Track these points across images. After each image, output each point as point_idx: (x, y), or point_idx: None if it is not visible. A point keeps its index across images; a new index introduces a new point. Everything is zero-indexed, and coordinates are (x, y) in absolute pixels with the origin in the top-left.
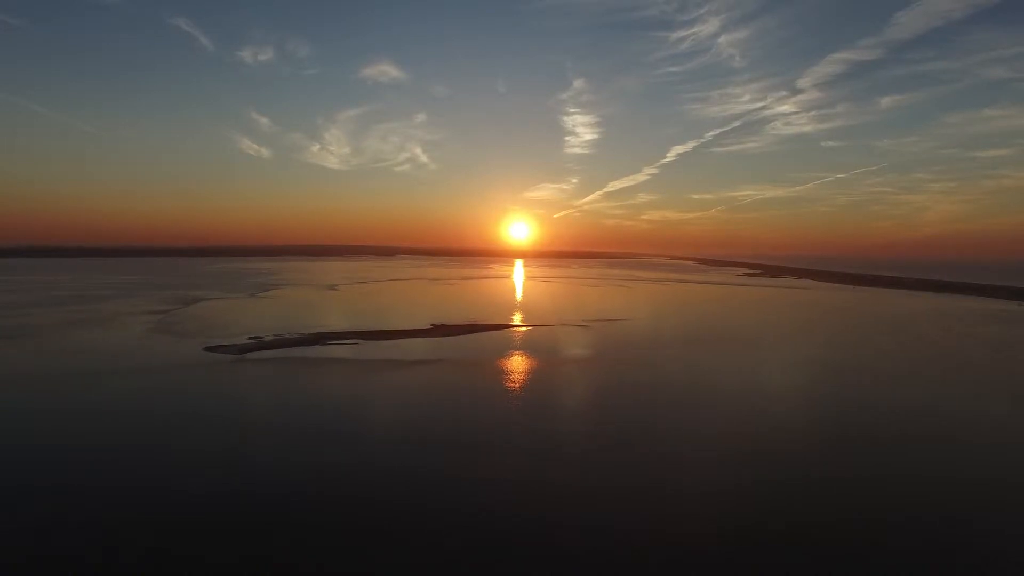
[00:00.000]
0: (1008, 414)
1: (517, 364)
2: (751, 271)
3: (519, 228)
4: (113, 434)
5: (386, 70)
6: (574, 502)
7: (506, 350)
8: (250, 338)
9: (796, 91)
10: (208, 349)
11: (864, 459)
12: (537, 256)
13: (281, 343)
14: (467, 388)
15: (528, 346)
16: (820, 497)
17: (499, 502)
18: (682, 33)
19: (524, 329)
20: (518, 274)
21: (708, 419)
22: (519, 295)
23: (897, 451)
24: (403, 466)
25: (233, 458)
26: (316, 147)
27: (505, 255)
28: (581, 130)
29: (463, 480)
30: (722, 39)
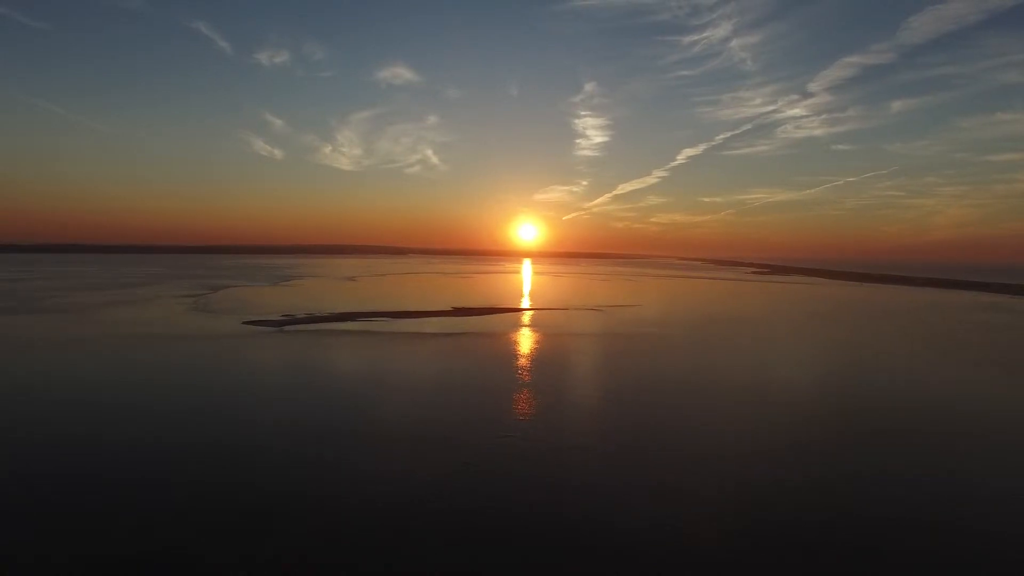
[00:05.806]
0: (1004, 385)
1: (534, 338)
2: (759, 270)
3: (528, 230)
4: (175, 385)
5: (400, 72)
6: (583, 474)
7: (523, 328)
8: (283, 316)
9: (807, 95)
10: (247, 323)
11: (863, 441)
12: (546, 256)
13: (314, 319)
14: (488, 355)
15: (544, 325)
16: (813, 480)
17: (508, 476)
18: (694, 37)
19: (540, 312)
20: (530, 270)
21: (712, 393)
22: (533, 286)
23: (896, 436)
24: (428, 427)
25: (288, 407)
26: (328, 148)
27: (514, 255)
28: (592, 133)
29: (474, 449)
30: (734, 43)
